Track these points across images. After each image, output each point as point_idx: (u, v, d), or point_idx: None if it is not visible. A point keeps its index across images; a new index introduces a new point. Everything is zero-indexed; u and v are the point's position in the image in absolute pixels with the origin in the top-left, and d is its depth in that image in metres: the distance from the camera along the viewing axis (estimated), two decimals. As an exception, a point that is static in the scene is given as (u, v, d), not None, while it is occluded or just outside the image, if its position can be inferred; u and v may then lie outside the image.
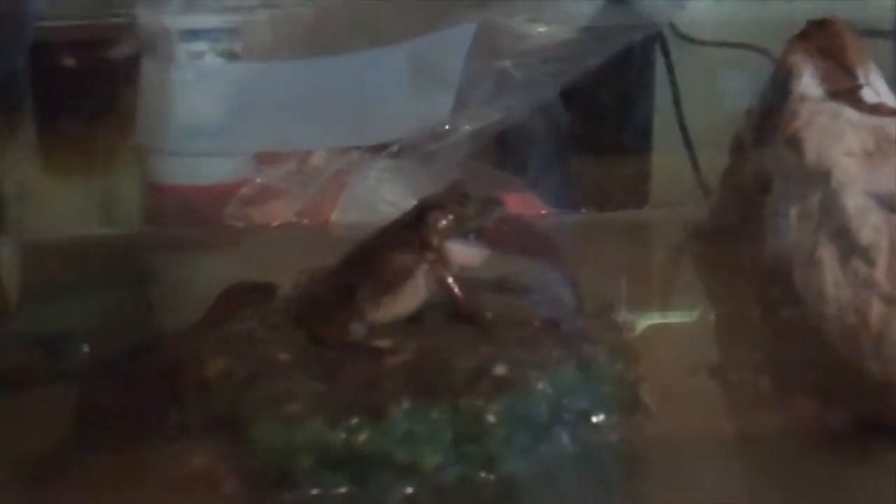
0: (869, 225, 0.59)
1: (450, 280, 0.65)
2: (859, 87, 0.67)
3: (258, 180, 1.06)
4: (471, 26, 1.06)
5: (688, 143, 1.12)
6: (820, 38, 0.72)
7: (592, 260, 0.88)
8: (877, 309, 0.57)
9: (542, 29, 1.07)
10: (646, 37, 1.09)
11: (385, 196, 1.05)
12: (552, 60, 1.07)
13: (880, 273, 0.57)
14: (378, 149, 1.06)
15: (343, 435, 0.55)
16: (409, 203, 1.05)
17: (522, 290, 0.69)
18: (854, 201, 0.60)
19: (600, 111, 1.14)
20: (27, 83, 1.10)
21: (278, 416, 0.55)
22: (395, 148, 1.05)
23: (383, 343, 0.63)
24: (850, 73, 0.69)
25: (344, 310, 0.64)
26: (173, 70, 1.05)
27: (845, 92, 0.68)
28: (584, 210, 1.05)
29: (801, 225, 0.63)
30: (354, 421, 0.55)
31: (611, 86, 1.12)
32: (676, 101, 1.13)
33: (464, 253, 0.66)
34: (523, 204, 1.09)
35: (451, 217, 0.65)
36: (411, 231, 0.66)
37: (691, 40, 1.16)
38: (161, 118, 1.06)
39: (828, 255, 0.60)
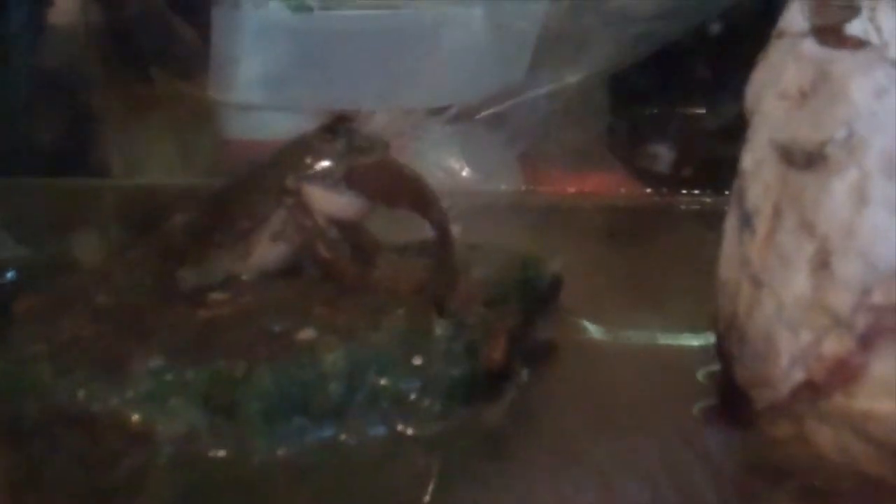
0: (760, 183, 0.44)
1: (309, 228, 0.55)
2: (843, 20, 0.51)
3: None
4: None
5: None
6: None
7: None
8: (745, 293, 0.42)
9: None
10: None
11: (439, 163, 0.96)
12: (641, 20, 0.93)
13: (755, 246, 0.42)
14: (441, 111, 0.97)
15: (70, 386, 0.47)
16: (467, 171, 0.98)
17: (412, 252, 0.58)
18: (754, 154, 0.45)
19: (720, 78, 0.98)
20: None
21: (18, 356, 0.48)
22: (453, 111, 0.95)
23: (216, 296, 0.55)
24: (851, 2, 0.53)
25: (184, 256, 0.56)
26: (238, 19, 1.00)
27: (829, 26, 0.52)
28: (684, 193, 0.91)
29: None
30: (82, 372, 0.47)
31: (728, 49, 0.96)
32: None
33: (332, 200, 0.56)
34: (606, 183, 0.97)
35: (312, 155, 0.55)
36: (272, 172, 0.57)
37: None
38: (228, 70, 1.02)
39: (729, 223, 0.46)
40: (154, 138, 1.12)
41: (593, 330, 0.63)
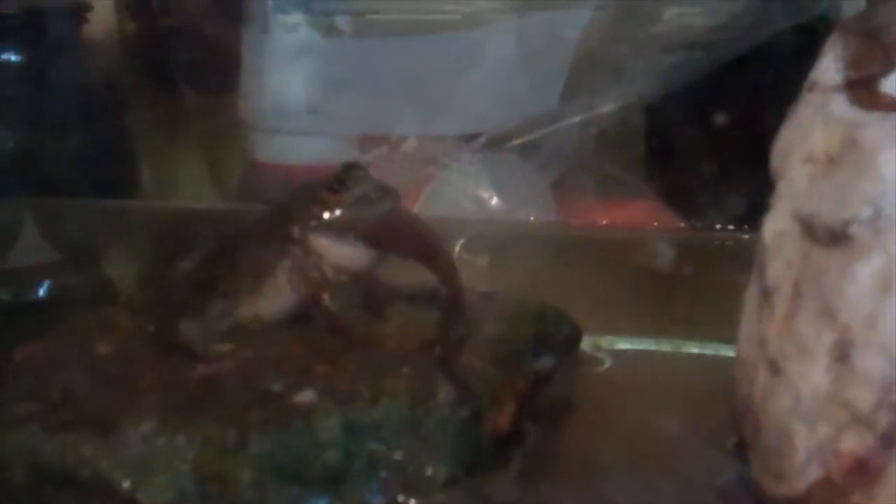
0: (781, 259, 0.41)
1: (316, 280, 0.54)
2: (878, 74, 0.48)
3: (348, 164, 0.98)
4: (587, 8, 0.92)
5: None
6: (874, 9, 0.53)
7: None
8: (761, 378, 0.39)
9: (672, 12, 0.91)
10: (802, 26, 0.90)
11: (468, 192, 0.94)
12: (678, 48, 0.91)
13: (774, 326, 0.39)
14: (473, 138, 0.95)
15: (59, 449, 0.45)
16: (496, 200, 0.95)
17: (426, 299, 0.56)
18: (776, 225, 0.42)
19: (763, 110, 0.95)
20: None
21: (9, 416, 0.47)
22: (483, 138, 0.93)
23: (221, 348, 0.53)
24: (889, 55, 0.50)
25: (186, 306, 0.54)
26: (268, 42, 0.99)
27: (862, 80, 0.49)
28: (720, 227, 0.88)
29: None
30: (71, 435, 0.45)
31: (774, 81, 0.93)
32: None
33: (340, 251, 0.54)
34: (644, 214, 0.94)
35: (319, 205, 0.54)
36: (279, 221, 0.55)
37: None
38: (258, 93, 1.01)
39: (750, 294, 0.43)
40: (183, 159, 1.11)
41: (614, 377, 0.61)
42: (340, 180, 0.54)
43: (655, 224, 0.94)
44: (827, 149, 0.44)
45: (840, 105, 0.46)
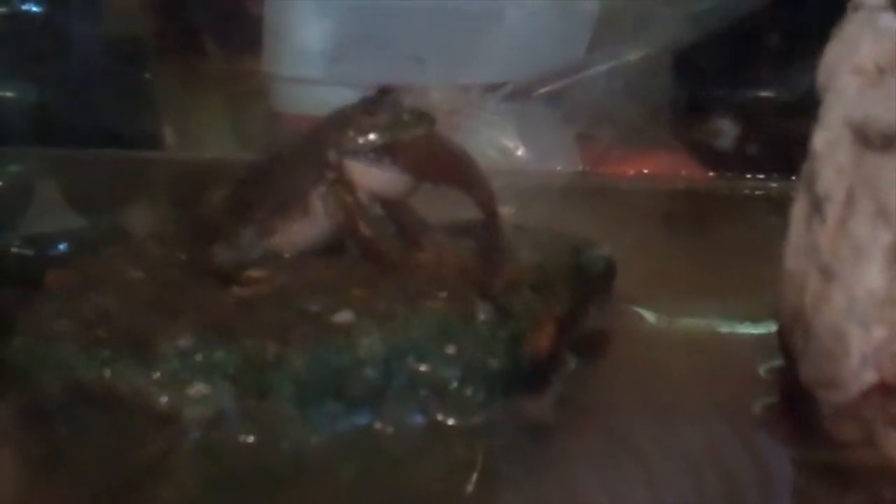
0: (832, 166, 0.40)
1: (350, 205, 0.53)
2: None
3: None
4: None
5: None
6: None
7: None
8: (813, 285, 0.39)
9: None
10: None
11: (494, 141, 0.93)
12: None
13: (826, 234, 0.39)
14: (498, 88, 0.94)
15: (95, 365, 0.45)
16: (522, 150, 0.94)
17: (456, 233, 0.55)
18: (826, 135, 0.41)
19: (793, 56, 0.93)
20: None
21: (43, 332, 0.46)
22: (509, 88, 0.92)
23: (254, 273, 0.52)
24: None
25: (220, 231, 0.54)
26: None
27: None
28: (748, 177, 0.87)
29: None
30: (107, 351, 0.45)
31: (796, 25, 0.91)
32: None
33: (374, 176, 0.53)
34: (666, 164, 0.93)
35: (354, 129, 0.53)
36: (313, 146, 0.54)
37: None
38: (281, 43, 1.00)
39: (797, 209, 0.43)
40: (206, 112, 1.10)
41: (648, 318, 0.60)
42: (375, 104, 0.53)
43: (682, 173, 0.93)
44: (877, 60, 0.43)
45: (888, 20, 0.45)
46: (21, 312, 0.49)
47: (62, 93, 1.00)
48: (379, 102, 0.53)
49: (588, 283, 0.56)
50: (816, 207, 0.40)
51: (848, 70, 0.44)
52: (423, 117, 0.53)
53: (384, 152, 0.52)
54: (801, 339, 0.39)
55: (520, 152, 0.92)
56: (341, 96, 0.99)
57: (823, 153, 0.40)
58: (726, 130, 0.92)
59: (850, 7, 0.50)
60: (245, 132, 1.09)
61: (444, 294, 0.49)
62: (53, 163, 0.95)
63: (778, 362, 0.48)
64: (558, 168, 0.91)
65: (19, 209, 0.85)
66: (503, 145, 0.92)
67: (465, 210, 0.54)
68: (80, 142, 0.96)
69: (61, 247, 0.76)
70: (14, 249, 0.76)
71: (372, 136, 0.52)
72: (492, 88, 0.94)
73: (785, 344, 0.41)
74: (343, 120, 0.53)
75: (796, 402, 0.41)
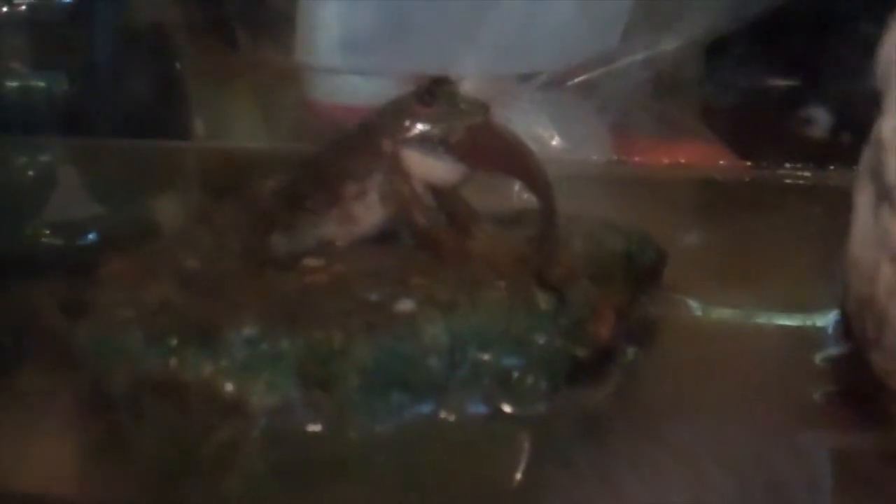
0: (904, 155, 0.40)
1: (406, 194, 0.53)
2: None
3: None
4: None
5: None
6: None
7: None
8: (886, 273, 0.39)
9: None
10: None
11: (527, 131, 0.92)
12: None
13: (899, 224, 0.39)
14: (532, 77, 0.94)
15: (161, 354, 0.45)
16: (556, 139, 0.94)
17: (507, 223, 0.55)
18: (893, 122, 0.41)
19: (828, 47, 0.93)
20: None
21: (107, 322, 0.47)
22: (543, 78, 0.92)
23: (310, 262, 0.52)
24: None
25: (276, 221, 0.54)
26: (325, -20, 0.98)
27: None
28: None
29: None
30: (173, 340, 0.45)
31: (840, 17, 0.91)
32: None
33: (430, 166, 0.53)
34: (702, 155, 0.93)
35: (410, 118, 0.53)
36: (368, 135, 0.54)
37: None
38: (315, 33, 1.00)
39: (862, 198, 0.42)
40: (237, 101, 1.10)
41: (695, 308, 0.60)
42: (430, 92, 0.53)
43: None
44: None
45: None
46: (81, 302, 0.49)
47: (92, 83, 1.00)
48: (434, 91, 0.53)
49: (640, 272, 0.56)
50: (885, 196, 0.40)
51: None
52: (479, 106, 0.53)
53: (440, 141, 0.52)
54: (874, 329, 0.39)
55: (554, 142, 0.92)
56: (375, 85, 1.00)
57: (891, 142, 0.40)
58: (760, 122, 0.92)
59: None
60: (276, 122, 1.09)
61: (502, 283, 0.49)
62: (83, 152, 0.95)
63: (836, 351, 0.48)
64: (592, 157, 0.91)
65: (48, 198, 0.86)
66: (537, 135, 0.92)
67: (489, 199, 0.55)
68: (110, 132, 0.96)
69: (90, 236, 0.76)
70: (44, 239, 0.76)
71: (428, 126, 0.52)
72: (526, 78, 0.94)
73: (852, 332, 0.41)
74: (398, 109, 0.53)
75: (864, 392, 0.41)
